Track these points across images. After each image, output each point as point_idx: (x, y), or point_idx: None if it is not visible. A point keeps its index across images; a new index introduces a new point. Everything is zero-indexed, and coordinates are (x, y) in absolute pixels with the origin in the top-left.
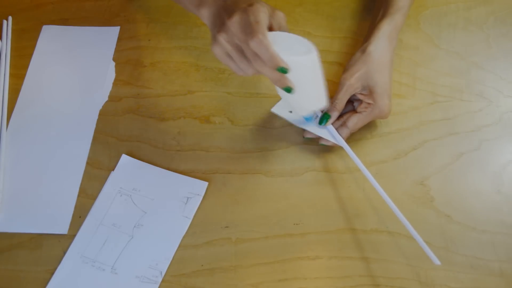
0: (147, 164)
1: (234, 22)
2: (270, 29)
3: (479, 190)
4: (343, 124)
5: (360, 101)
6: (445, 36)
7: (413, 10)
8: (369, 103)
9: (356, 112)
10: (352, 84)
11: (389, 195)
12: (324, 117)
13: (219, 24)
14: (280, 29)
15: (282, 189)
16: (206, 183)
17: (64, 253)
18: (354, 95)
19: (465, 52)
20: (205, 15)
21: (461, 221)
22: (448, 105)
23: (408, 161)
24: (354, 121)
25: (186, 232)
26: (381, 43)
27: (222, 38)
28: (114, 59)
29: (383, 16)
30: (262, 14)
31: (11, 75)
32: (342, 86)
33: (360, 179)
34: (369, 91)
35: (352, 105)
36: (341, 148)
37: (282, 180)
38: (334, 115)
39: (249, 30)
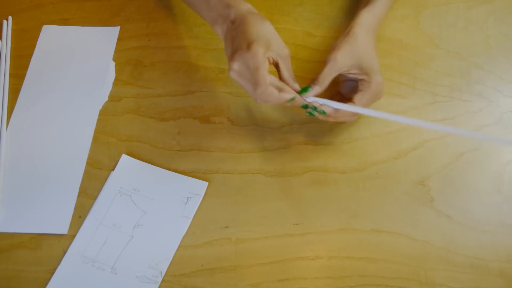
0: (147, 164)
1: (237, 67)
2: (276, 65)
3: (479, 190)
4: (349, 102)
5: (356, 83)
6: (445, 36)
7: (413, 10)
8: (364, 79)
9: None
10: (337, 60)
11: (389, 195)
12: (303, 90)
13: (229, 53)
14: (285, 65)
15: (282, 189)
16: (206, 183)
17: (64, 253)
18: (346, 76)
19: (465, 52)
20: (218, 32)
21: (461, 221)
22: (448, 105)
23: (408, 161)
24: (359, 97)
25: (186, 232)
26: (363, 28)
27: (233, 68)
28: (114, 59)
29: (366, 5)
30: (260, 59)
31: (11, 75)
32: (326, 63)
33: (360, 179)
34: (360, 69)
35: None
36: (341, 148)
37: (282, 180)
38: (315, 89)
39: (252, 78)
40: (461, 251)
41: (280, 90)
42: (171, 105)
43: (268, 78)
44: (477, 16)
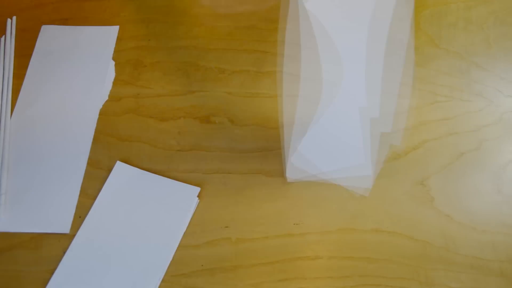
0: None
1: None
2: None
3: (479, 190)
4: None
5: None
6: (445, 36)
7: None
8: None
9: None
10: None
11: (389, 195)
12: None
13: None
14: None
15: (282, 189)
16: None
17: (64, 253)
18: None
19: (465, 52)
20: None
21: (461, 221)
22: (448, 105)
23: (408, 161)
24: None
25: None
26: None
27: None
28: (114, 59)
29: None
30: None
31: None
32: None
33: None
34: None
35: None
36: None
37: (282, 180)
38: None
39: None
40: (461, 251)
41: None
42: (171, 105)
43: None
44: (477, 16)
